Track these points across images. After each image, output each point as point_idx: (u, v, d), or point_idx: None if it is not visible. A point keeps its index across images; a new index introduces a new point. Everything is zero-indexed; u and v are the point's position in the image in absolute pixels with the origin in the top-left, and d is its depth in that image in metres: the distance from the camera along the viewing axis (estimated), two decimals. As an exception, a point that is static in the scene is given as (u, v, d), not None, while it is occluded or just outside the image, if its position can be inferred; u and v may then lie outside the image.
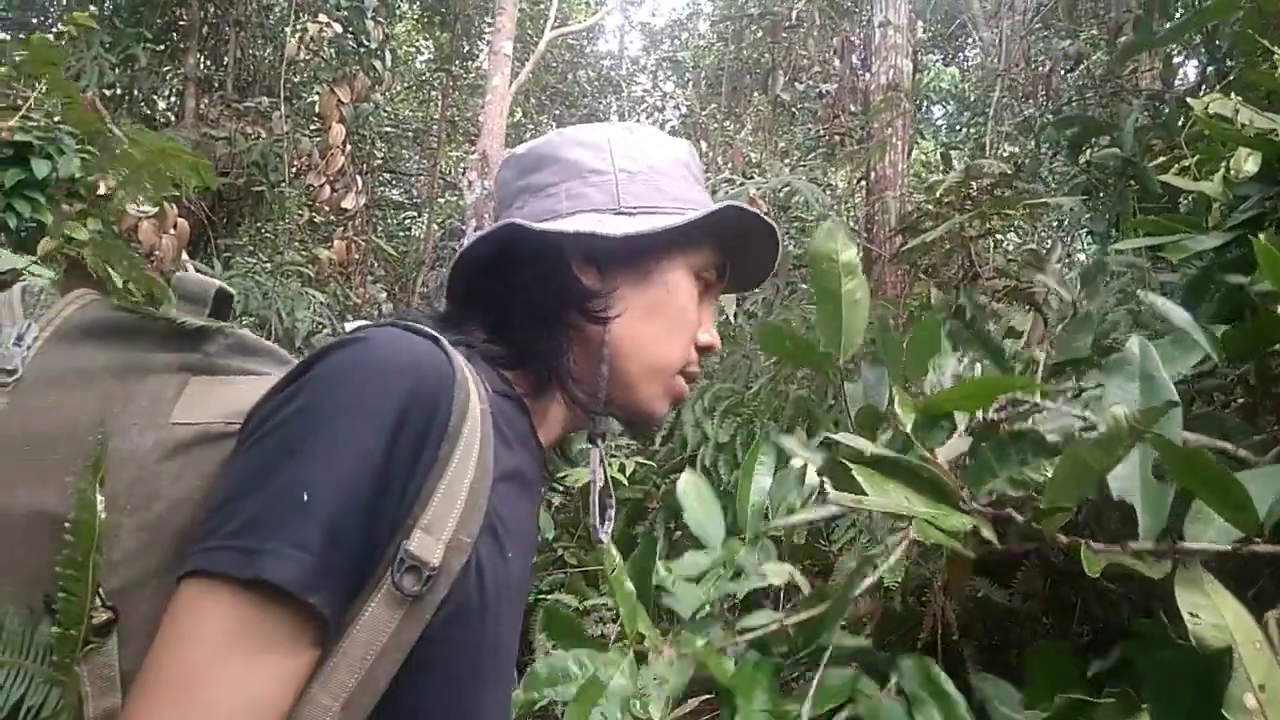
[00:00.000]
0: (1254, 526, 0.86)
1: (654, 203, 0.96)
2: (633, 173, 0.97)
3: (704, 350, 1.02)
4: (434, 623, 0.76)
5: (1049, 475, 1.07)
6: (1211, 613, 0.84)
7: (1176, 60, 4.29)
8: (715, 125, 9.09)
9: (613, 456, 4.31)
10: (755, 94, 8.76)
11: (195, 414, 0.82)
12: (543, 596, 3.95)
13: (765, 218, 1.00)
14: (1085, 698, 0.85)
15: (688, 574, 1.24)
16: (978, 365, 1.41)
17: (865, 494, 0.97)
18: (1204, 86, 3.35)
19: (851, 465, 1.00)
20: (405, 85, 13.28)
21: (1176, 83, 4.40)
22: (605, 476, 1.04)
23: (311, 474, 0.72)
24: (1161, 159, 2.86)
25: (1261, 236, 1.10)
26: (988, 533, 1.02)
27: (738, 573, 1.20)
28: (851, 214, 7.22)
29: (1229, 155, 1.90)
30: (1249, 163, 1.82)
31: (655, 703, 1.11)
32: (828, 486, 1.02)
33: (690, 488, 1.41)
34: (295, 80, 9.66)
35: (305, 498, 0.71)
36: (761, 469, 1.36)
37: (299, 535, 0.70)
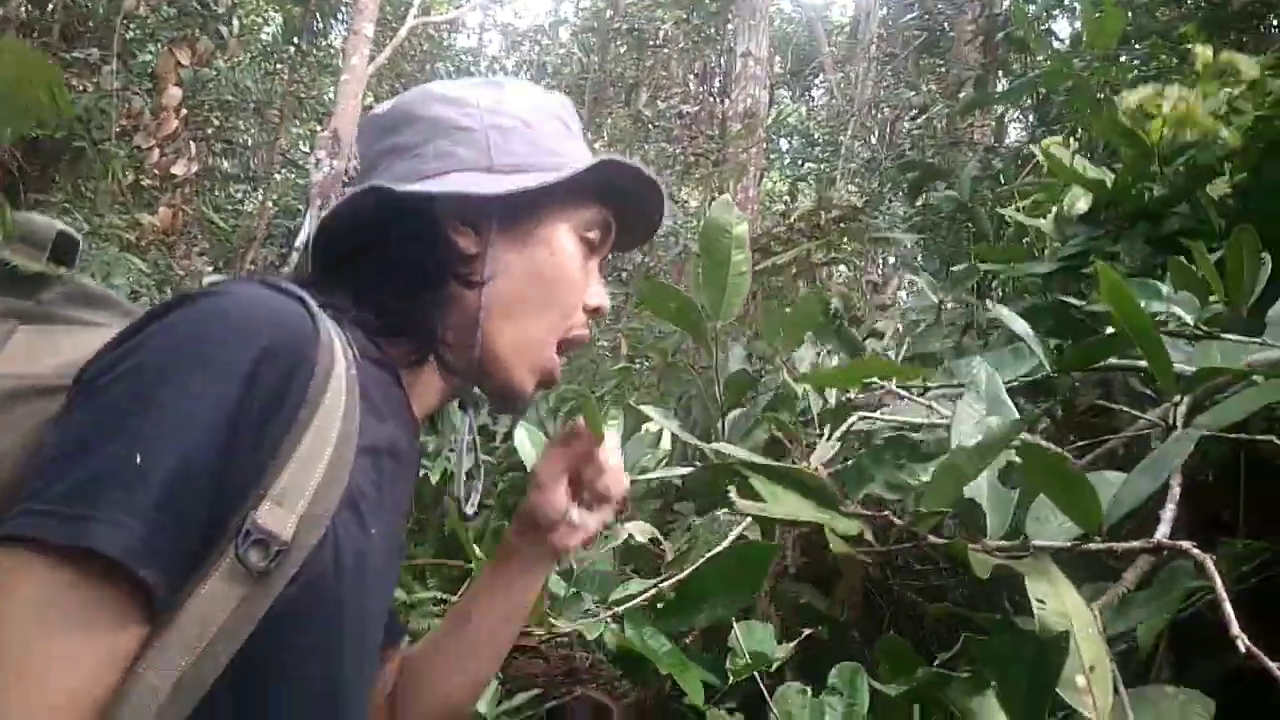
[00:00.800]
0: (1095, 524, 0.96)
1: (529, 159, 0.91)
2: (504, 128, 0.92)
3: (593, 313, 0.98)
4: (282, 600, 0.71)
5: (923, 479, 1.16)
6: (1055, 600, 0.93)
7: (1008, 120, 4.66)
8: (572, 133, 9.11)
9: (451, 451, 4.22)
10: (616, 107, 8.86)
11: (22, 365, 0.76)
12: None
13: (647, 170, 0.95)
14: (943, 672, 0.92)
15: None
16: (835, 357, 1.52)
17: (765, 501, 1.02)
18: (1034, 144, 3.66)
19: (749, 473, 1.05)
20: (250, 55, 12.66)
21: (1005, 140, 4.78)
22: (475, 447, 1.01)
23: (149, 433, 0.66)
24: (994, 206, 3.11)
25: (1099, 264, 1.23)
26: (869, 535, 1.09)
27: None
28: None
29: (1062, 196, 2.11)
30: (1081, 202, 2.02)
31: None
32: (731, 493, 1.07)
33: (526, 438, 1.45)
34: (130, 35, 9.03)
35: (140, 459, 0.65)
36: (611, 428, 1.41)
37: (130, 501, 0.64)
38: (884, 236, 3.43)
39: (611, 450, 1.00)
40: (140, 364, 0.69)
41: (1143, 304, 1.43)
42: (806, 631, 1.49)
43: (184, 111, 8.63)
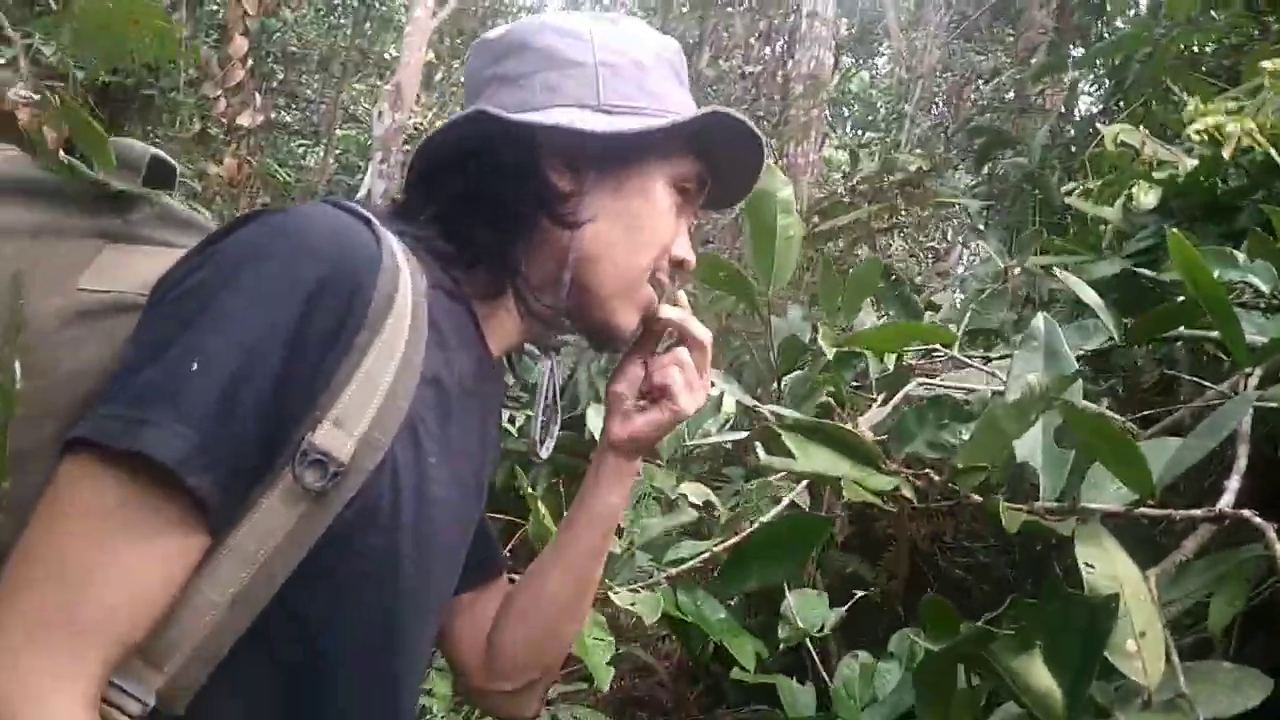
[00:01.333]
0: (1148, 488, 0.93)
1: (637, 103, 0.88)
2: (615, 67, 0.88)
3: (678, 266, 0.94)
4: (339, 523, 0.72)
5: (964, 438, 1.15)
6: (1105, 564, 0.91)
7: (1080, 88, 4.52)
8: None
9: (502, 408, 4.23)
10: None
11: (105, 282, 0.78)
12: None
13: (753, 126, 0.91)
14: (986, 629, 0.91)
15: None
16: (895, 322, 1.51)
17: (795, 458, 1.01)
18: (1107, 114, 3.55)
19: (783, 431, 1.04)
20: (315, 8, 12.73)
21: (1077, 108, 4.64)
22: (555, 390, 0.98)
23: (205, 346, 0.68)
24: (1064, 176, 3.03)
25: (1171, 232, 1.19)
26: (908, 491, 1.08)
27: (669, 503, 1.25)
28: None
29: (1132, 184, 2.03)
30: (1150, 196, 1.95)
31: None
32: (759, 451, 1.07)
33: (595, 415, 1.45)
34: (199, -16, 9.12)
35: (197, 369, 0.67)
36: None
37: (183, 409, 0.66)
38: (948, 201, 3.36)
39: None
40: (205, 279, 0.71)
41: (1217, 273, 1.38)
42: (858, 594, 1.48)
43: (250, 62, 8.72)
